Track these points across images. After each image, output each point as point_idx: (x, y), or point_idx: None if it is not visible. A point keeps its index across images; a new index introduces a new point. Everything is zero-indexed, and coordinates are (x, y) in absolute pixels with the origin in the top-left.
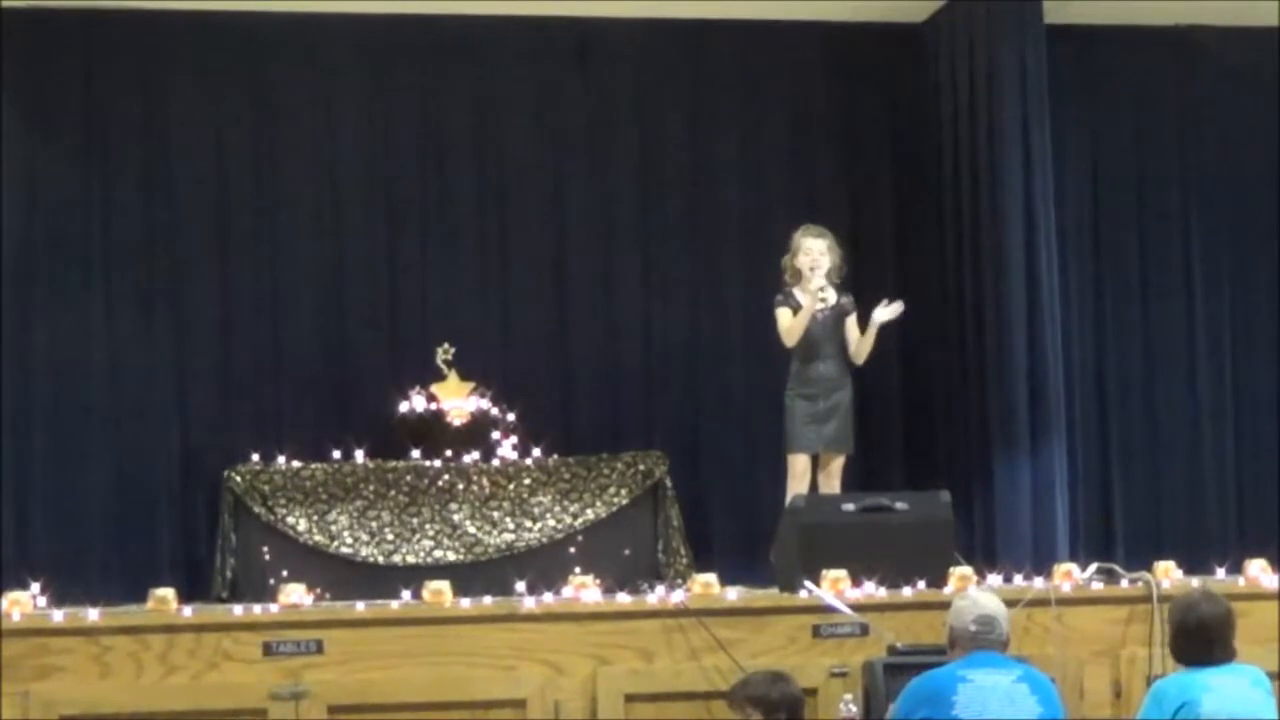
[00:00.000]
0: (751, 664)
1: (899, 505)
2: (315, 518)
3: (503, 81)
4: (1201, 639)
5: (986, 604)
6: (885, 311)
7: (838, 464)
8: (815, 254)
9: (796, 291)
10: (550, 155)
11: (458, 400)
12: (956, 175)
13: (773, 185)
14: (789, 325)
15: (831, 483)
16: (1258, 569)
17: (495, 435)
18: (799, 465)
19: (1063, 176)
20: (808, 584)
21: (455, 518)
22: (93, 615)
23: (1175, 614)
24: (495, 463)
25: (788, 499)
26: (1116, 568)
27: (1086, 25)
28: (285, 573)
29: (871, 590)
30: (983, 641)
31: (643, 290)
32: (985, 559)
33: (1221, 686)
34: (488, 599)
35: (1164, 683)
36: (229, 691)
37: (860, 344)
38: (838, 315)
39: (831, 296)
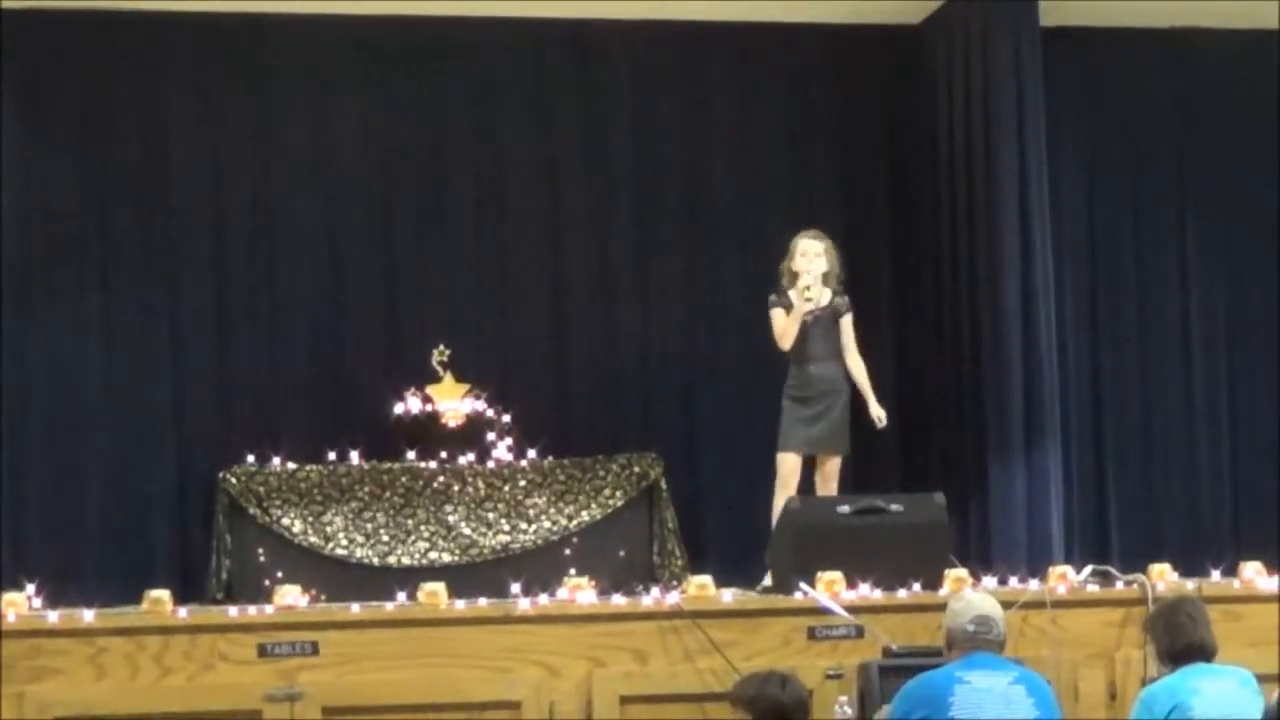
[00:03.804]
0: (747, 666)
1: (894, 507)
2: (310, 519)
3: (500, 83)
4: (1192, 639)
5: (982, 605)
6: (876, 412)
7: (833, 466)
8: (811, 255)
9: (791, 293)
10: (547, 157)
11: (453, 402)
12: (952, 177)
13: (769, 187)
14: (781, 328)
15: (829, 485)
16: (1253, 571)
17: (490, 437)
18: (786, 465)
19: (1059, 178)
20: (803, 586)
21: (450, 519)
22: (88, 616)
23: (1155, 622)
24: (490, 464)
25: (775, 499)
26: (1112, 570)
27: (1083, 27)
28: (280, 574)
29: (866, 592)
30: (979, 642)
31: (638, 292)
32: (980, 561)
33: (1211, 689)
34: (483, 601)
35: (1154, 688)
36: (224, 693)
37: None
38: (832, 316)
39: (825, 296)
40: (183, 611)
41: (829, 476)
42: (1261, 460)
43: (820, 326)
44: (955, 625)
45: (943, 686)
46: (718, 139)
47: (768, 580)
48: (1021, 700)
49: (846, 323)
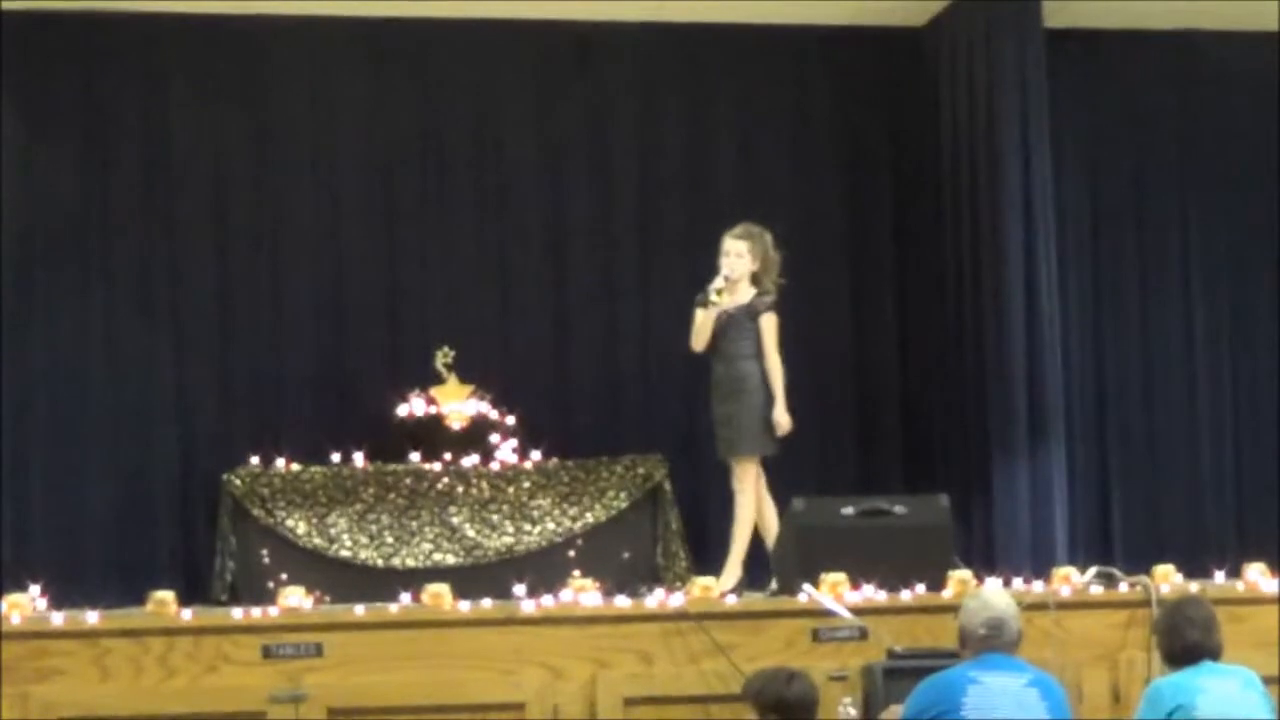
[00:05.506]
0: (751, 667)
1: (898, 509)
2: (314, 520)
3: (502, 84)
4: (1187, 640)
5: (997, 604)
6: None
7: (742, 470)
8: (733, 254)
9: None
10: (549, 158)
11: (457, 403)
12: (956, 179)
13: (772, 189)
14: (694, 328)
15: (743, 492)
16: (1256, 573)
17: (494, 438)
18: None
19: (1062, 180)
20: (807, 587)
21: (454, 521)
22: (92, 618)
23: (1160, 621)
24: (494, 466)
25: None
26: (1115, 571)
27: (1086, 29)
28: (284, 575)
29: (870, 594)
30: (993, 643)
31: (642, 293)
32: (984, 563)
33: (1215, 688)
34: (487, 602)
35: (1159, 685)
36: (228, 694)
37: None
38: (748, 316)
39: (747, 295)
40: (187, 613)
41: (739, 481)
42: (1265, 461)
43: (734, 326)
44: (968, 626)
45: (956, 686)
46: (720, 140)
47: (774, 584)
48: (1035, 703)
49: (766, 322)
